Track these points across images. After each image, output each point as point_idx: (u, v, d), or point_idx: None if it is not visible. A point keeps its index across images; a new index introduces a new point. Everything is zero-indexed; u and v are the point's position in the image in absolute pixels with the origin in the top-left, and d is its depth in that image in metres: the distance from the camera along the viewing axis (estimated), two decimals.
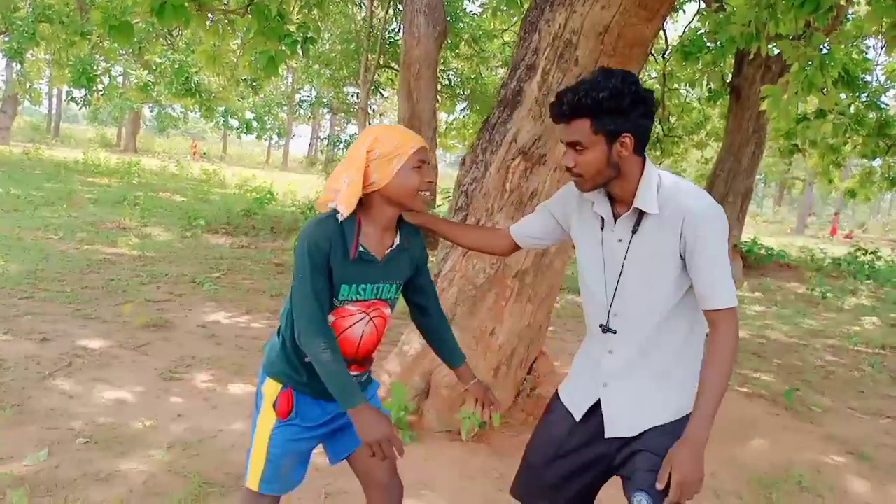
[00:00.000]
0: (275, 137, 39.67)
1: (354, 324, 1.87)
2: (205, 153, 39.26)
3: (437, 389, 3.82)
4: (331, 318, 1.83)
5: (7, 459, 3.02)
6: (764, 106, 5.14)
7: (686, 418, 1.72)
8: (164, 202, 13.48)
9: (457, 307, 3.81)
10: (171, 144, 42.80)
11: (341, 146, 15.47)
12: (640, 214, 1.72)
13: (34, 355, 4.32)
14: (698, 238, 1.65)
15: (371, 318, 1.89)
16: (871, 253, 14.89)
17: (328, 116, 30.81)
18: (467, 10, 15.89)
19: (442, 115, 14.37)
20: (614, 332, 1.82)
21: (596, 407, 1.87)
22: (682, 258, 1.70)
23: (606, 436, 1.83)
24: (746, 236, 14.75)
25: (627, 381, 1.82)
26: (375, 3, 13.68)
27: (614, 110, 1.62)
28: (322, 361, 1.74)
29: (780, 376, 5.85)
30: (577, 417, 1.90)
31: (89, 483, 2.91)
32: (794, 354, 6.81)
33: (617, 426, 1.83)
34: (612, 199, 1.79)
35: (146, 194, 14.22)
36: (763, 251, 14.29)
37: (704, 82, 12.45)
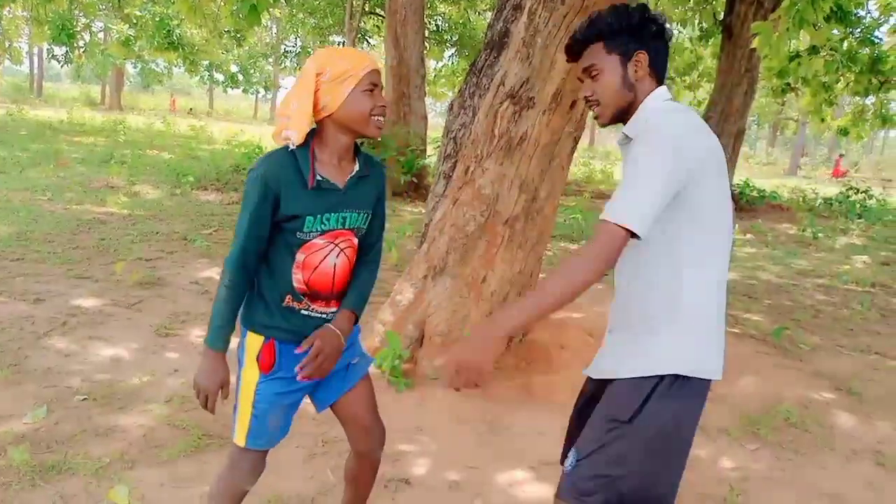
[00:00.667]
0: (261, 91, 39.10)
1: (325, 257, 1.81)
2: (191, 110, 38.70)
3: (431, 337, 3.85)
4: (301, 255, 1.78)
5: (7, 418, 3.05)
6: (755, 43, 5.06)
7: (644, 380, 1.61)
8: (151, 160, 13.33)
9: (448, 255, 3.81)
10: (156, 101, 42.17)
11: None
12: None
13: (28, 315, 4.32)
14: (633, 151, 1.55)
15: (341, 249, 1.84)
16: (863, 192, 14.92)
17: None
18: None
19: (430, 63, 14.16)
20: (616, 278, 1.77)
21: None
22: None
23: (585, 373, 1.87)
24: (739, 178, 14.74)
25: (614, 329, 1.79)
26: None
27: (626, 29, 1.63)
28: (220, 292, 1.75)
29: (769, 316, 5.91)
30: (588, 373, 1.89)
31: (89, 438, 2.95)
32: (785, 294, 6.87)
33: (593, 366, 1.83)
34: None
35: (133, 152, 14.05)
36: (755, 193, 14.30)
37: (696, 21, 12.25)
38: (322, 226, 1.77)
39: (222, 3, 9.81)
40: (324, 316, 1.86)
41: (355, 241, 1.87)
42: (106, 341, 4.05)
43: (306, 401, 2.02)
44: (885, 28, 11.76)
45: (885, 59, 10.53)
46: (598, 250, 1.46)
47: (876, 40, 10.59)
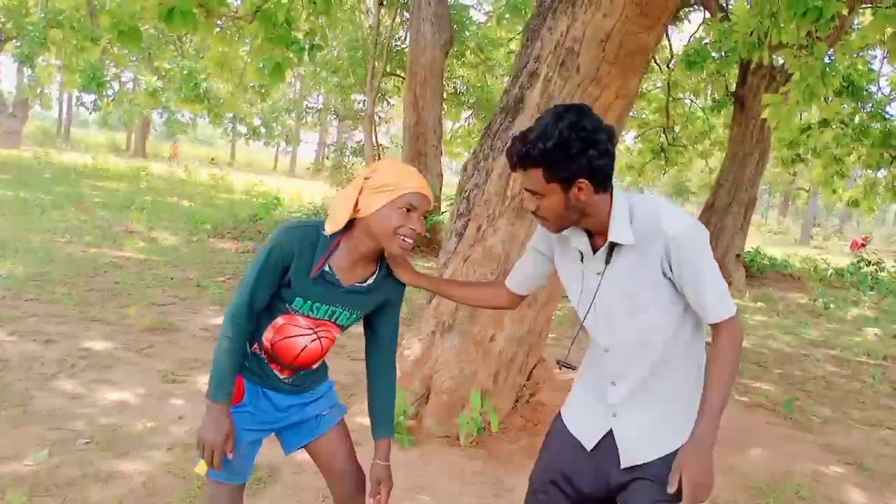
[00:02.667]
0: (282, 144, 39.86)
1: (300, 335, 1.86)
2: (213, 159, 39.46)
3: (437, 394, 3.83)
4: (280, 320, 1.84)
5: (8, 459, 3.06)
6: (765, 115, 5.16)
7: (675, 452, 1.69)
8: (171, 207, 13.56)
9: (457, 312, 3.83)
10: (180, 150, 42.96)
11: (348, 153, 15.55)
12: (614, 245, 1.68)
13: (38, 356, 4.36)
14: (683, 261, 1.61)
15: (319, 338, 1.89)
16: (875, 264, 14.85)
17: (335, 123, 30.94)
18: (473, 19, 15.96)
19: (447, 124, 14.47)
20: (612, 366, 1.79)
21: (607, 435, 1.83)
22: (670, 281, 1.66)
23: (623, 466, 1.78)
24: (750, 246, 14.74)
25: (637, 411, 1.78)
26: (382, 12, 13.77)
27: (564, 158, 1.57)
28: (220, 344, 1.79)
29: (780, 386, 5.84)
30: (589, 447, 1.84)
31: (89, 483, 2.94)
32: (796, 364, 6.80)
33: (630, 455, 1.78)
34: (590, 233, 1.75)
35: (154, 199, 14.31)
36: (766, 261, 14.26)
37: (709, 92, 12.48)
38: (310, 311, 1.83)
39: (248, 60, 10.13)
40: (277, 375, 1.92)
41: (336, 334, 1.92)
42: (113, 385, 4.07)
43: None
44: (895, 104, 11.94)
45: None
46: (737, 336, 1.64)
47: (887, 116, 10.72)
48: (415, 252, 11.31)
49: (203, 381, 4.34)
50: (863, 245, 22.37)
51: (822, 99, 5.27)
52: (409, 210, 1.73)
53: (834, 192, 12.34)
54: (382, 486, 1.96)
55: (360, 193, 1.76)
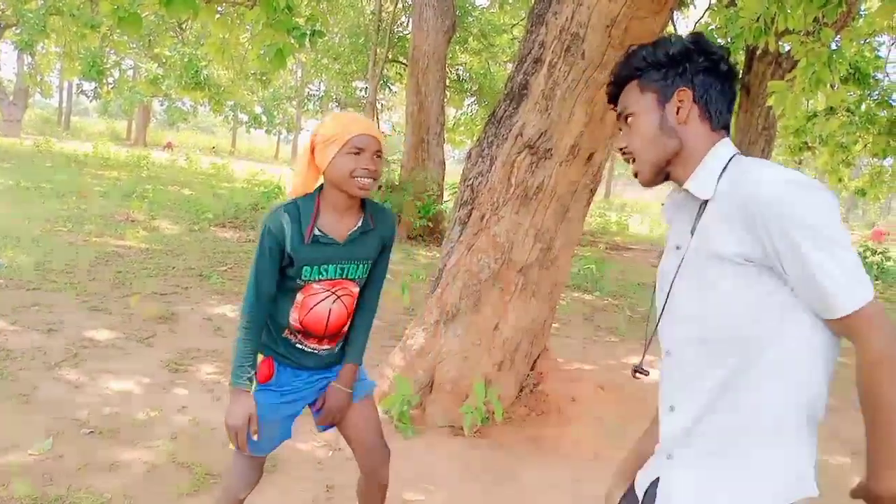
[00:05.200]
0: (284, 132, 39.76)
1: (321, 301, 1.95)
2: (213, 148, 39.41)
3: (441, 384, 3.82)
4: (299, 297, 1.94)
5: (12, 448, 3.04)
6: (770, 102, 5.11)
7: None
8: (172, 196, 13.52)
9: (461, 302, 3.81)
10: (181, 138, 42.96)
11: None
12: (702, 207, 1.28)
13: (41, 346, 4.34)
14: (786, 233, 1.12)
15: (339, 297, 1.98)
16: (880, 253, 14.80)
17: (337, 110, 30.91)
18: (476, 4, 15.85)
19: (450, 111, 14.42)
20: (670, 379, 1.33)
21: (653, 484, 1.37)
22: (768, 267, 1.17)
23: None
24: None
25: (693, 454, 1.28)
26: None
27: (662, 62, 1.30)
28: (239, 333, 1.90)
29: None
30: (638, 499, 1.40)
31: (92, 472, 2.93)
32: None
33: None
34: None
35: (155, 188, 14.27)
36: None
37: None
38: (320, 275, 1.92)
39: (249, 47, 10.07)
40: (314, 351, 2.02)
41: (355, 289, 2.01)
42: (116, 375, 4.05)
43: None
44: None
45: None
46: (890, 337, 1.13)
47: (894, 104, 10.64)
48: (418, 241, 11.29)
49: (206, 370, 4.32)
50: (885, 236, 22.24)
51: (829, 86, 5.20)
52: (357, 153, 1.83)
53: (840, 180, 12.28)
54: (328, 402, 2.06)
55: (313, 152, 1.88)
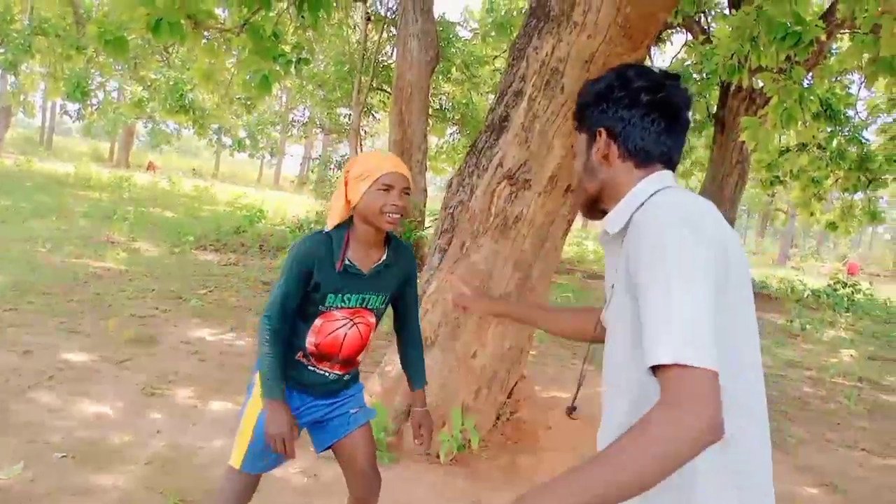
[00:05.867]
0: (267, 156, 39.73)
1: (339, 328, 2.05)
2: (193, 170, 39.28)
3: None
4: (318, 321, 2.03)
5: None
6: (744, 137, 5.25)
7: None
8: (154, 217, 13.47)
9: (440, 329, 3.85)
10: (164, 160, 42.77)
11: (332, 167, 15.58)
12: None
13: (16, 367, 4.31)
14: (640, 260, 1.09)
15: (355, 324, 2.07)
16: (851, 286, 15.06)
17: (321, 137, 30.98)
18: (459, 36, 16.09)
19: (432, 139, 14.57)
20: (602, 415, 1.32)
21: None
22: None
23: None
24: None
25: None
26: (370, 27, 13.85)
27: (589, 101, 1.29)
28: (262, 347, 1.97)
29: None
30: None
31: (63, 497, 2.91)
32: (772, 385, 6.87)
33: None
34: None
35: (136, 209, 14.20)
36: None
37: (690, 112, 12.62)
38: (342, 303, 2.03)
39: (235, 72, 10.14)
40: (325, 374, 2.10)
41: (371, 319, 2.11)
42: (91, 398, 4.03)
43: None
44: (873, 128, 12.19)
45: (874, 157, 10.85)
46: (677, 417, 0.95)
47: (864, 140, 10.93)
48: None
49: (182, 395, 4.31)
50: (859, 270, 22.64)
51: (800, 122, 5.36)
52: (387, 190, 1.92)
53: (812, 214, 12.54)
54: (423, 428, 2.20)
55: (346, 187, 1.97)
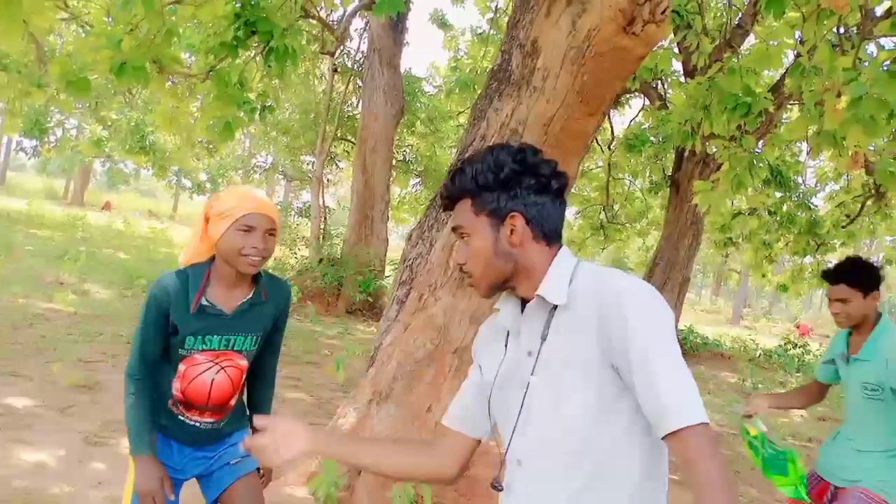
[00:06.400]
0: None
1: (203, 372, 1.94)
2: (150, 211, 38.72)
3: None
4: (182, 366, 1.93)
5: None
6: (696, 200, 5.44)
7: None
8: (106, 258, 13.19)
9: (395, 382, 3.83)
10: (121, 200, 42.08)
11: (293, 213, 15.56)
12: (552, 313, 1.28)
13: None
14: (628, 329, 1.16)
15: (222, 368, 1.96)
16: (801, 346, 15.45)
17: (283, 183, 30.95)
18: (425, 91, 16.41)
19: (395, 189, 14.71)
20: (521, 493, 1.32)
21: None
22: (614, 369, 1.20)
23: None
24: (683, 324, 15.17)
25: None
26: (336, 78, 14.05)
27: (494, 184, 1.30)
28: (127, 401, 1.89)
29: None
30: None
31: None
32: (725, 444, 6.95)
33: None
34: (524, 305, 1.36)
35: (89, 249, 13.88)
36: (699, 339, 14.68)
37: (647, 174, 13.04)
38: (204, 345, 1.92)
39: (199, 116, 10.15)
40: (197, 424, 2.00)
41: (242, 362, 1.99)
42: (31, 446, 3.87)
43: None
44: (821, 195, 12.74)
45: (822, 223, 11.29)
46: (718, 462, 1.11)
47: (812, 206, 11.39)
48: (357, 316, 11.24)
49: (125, 444, 4.14)
50: (810, 331, 23.30)
51: (750, 188, 5.58)
52: (248, 231, 1.83)
53: (764, 275, 12.91)
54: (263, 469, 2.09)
55: (206, 223, 1.88)
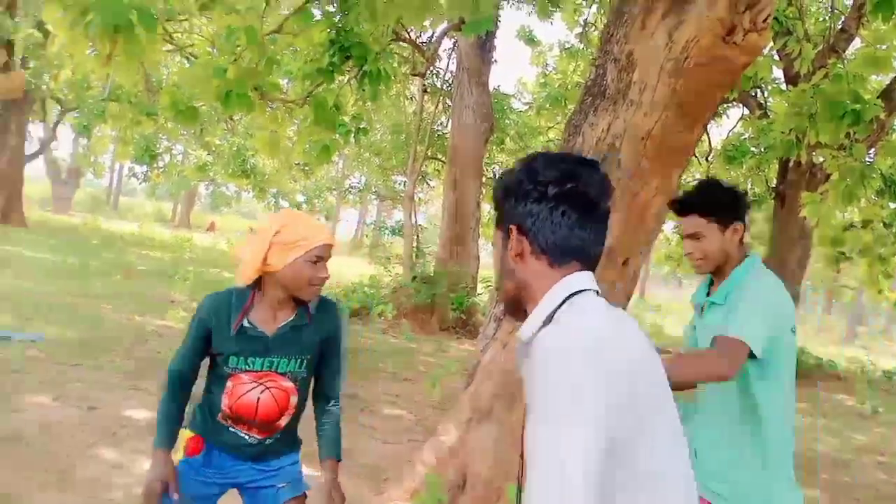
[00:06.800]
0: (323, 219, 40.74)
1: (249, 391, 1.97)
2: (251, 229, 40.37)
3: (473, 485, 3.78)
4: (229, 383, 1.97)
5: None
6: (804, 212, 5.19)
7: None
8: (212, 277, 13.86)
9: (495, 401, 3.82)
10: (224, 222, 44.21)
11: (387, 232, 15.88)
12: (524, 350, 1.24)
13: (81, 423, 4.43)
14: (532, 389, 1.12)
15: (267, 388, 1.97)
16: None
17: (375, 202, 31.67)
18: (514, 108, 16.44)
19: (486, 206, 14.76)
20: None
21: None
22: None
23: None
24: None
25: None
26: (426, 98, 14.30)
27: (499, 197, 1.25)
28: (161, 396, 2.00)
29: (827, 493, 5.60)
30: None
31: None
32: (843, 471, 6.54)
33: None
34: None
35: (196, 269, 14.64)
36: (812, 360, 13.88)
37: (749, 186, 12.52)
38: (246, 365, 1.95)
39: (296, 139, 10.55)
40: (246, 438, 2.02)
41: (286, 384, 1.99)
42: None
43: None
44: None
45: None
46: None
47: None
48: (451, 333, 11.31)
49: None
50: None
51: (862, 200, 5.28)
52: (316, 262, 1.87)
53: (880, 291, 12.08)
54: (335, 495, 2.01)
55: (269, 249, 1.86)
